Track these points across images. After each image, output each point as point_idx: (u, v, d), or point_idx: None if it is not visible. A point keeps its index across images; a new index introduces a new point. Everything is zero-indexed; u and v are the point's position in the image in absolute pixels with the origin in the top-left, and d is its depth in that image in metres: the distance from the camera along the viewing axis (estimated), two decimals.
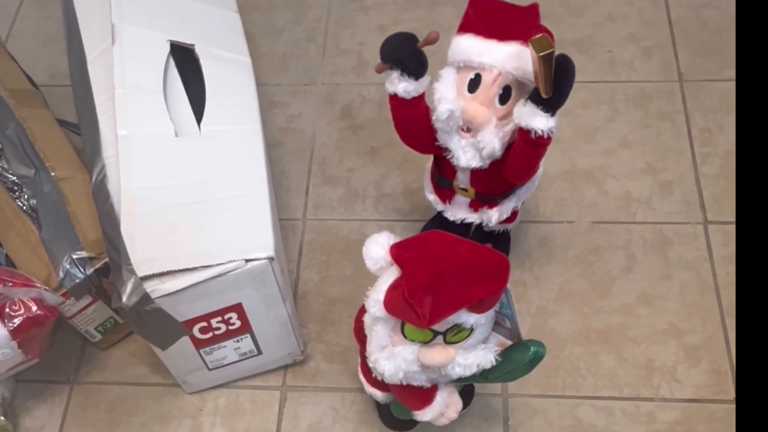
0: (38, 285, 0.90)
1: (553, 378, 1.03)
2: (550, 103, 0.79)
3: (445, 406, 0.84)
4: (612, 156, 1.21)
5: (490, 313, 0.72)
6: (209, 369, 0.99)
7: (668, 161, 1.19)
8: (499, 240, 1.09)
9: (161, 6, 1.02)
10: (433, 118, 0.86)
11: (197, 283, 0.83)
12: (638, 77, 1.28)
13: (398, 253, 0.70)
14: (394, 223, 1.17)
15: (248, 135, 0.95)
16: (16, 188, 0.98)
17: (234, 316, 0.91)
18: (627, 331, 1.05)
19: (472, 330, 0.72)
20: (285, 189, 1.21)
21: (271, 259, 0.84)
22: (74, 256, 0.91)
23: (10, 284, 0.89)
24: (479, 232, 1.07)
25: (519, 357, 0.75)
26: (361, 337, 0.82)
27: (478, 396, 1.00)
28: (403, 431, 0.99)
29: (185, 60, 0.99)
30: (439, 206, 1.01)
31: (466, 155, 0.88)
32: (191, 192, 0.89)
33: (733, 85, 1.26)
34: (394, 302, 0.69)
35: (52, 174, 0.98)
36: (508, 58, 0.82)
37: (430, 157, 0.99)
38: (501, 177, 0.90)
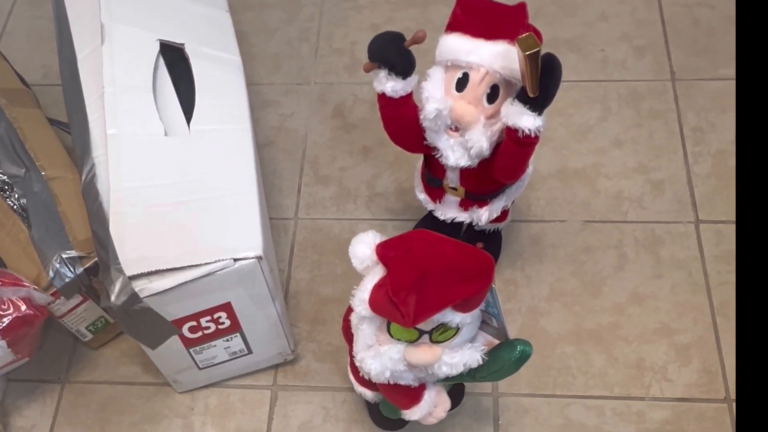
0: (27, 284, 0.90)
1: (544, 377, 1.03)
2: (537, 102, 0.79)
3: (433, 405, 0.84)
4: (604, 155, 1.20)
5: (476, 313, 0.72)
6: (199, 368, 0.99)
7: (660, 160, 1.19)
8: (491, 239, 1.09)
9: (151, 5, 1.02)
10: (421, 117, 0.86)
11: (186, 283, 0.83)
12: (631, 76, 1.28)
13: (383, 252, 0.70)
14: (386, 223, 1.17)
15: (238, 134, 0.95)
16: (6, 187, 0.98)
17: (223, 315, 0.91)
18: (618, 331, 1.05)
19: (458, 329, 0.72)
20: (277, 188, 1.21)
21: (259, 258, 0.84)
22: (64, 256, 0.92)
23: None
24: (470, 232, 1.07)
25: (506, 356, 0.75)
26: (349, 336, 0.82)
27: (469, 395, 1.00)
28: (394, 430, 1.00)
29: (175, 59, 0.99)
30: (430, 205, 1.01)
31: (454, 154, 0.88)
32: (180, 191, 0.89)
33: (725, 83, 1.26)
34: (378, 301, 0.69)
35: (43, 173, 0.98)
36: (496, 57, 0.82)
37: (422, 157, 0.99)
38: (490, 176, 0.90)
